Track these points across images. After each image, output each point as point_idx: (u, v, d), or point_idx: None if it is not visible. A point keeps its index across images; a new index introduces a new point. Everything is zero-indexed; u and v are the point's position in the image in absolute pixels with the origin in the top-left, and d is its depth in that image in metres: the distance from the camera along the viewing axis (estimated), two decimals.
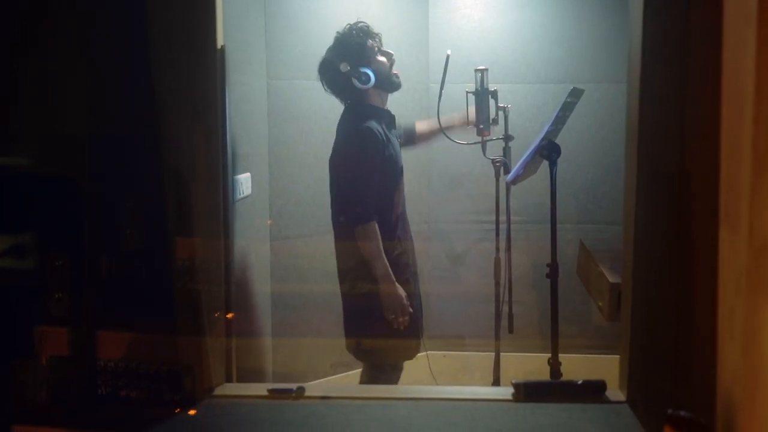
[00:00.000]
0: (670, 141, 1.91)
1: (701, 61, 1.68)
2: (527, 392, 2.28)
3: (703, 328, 1.59)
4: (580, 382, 2.32)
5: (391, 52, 3.10)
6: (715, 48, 1.44)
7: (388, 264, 2.96)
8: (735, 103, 1.33)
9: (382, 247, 2.97)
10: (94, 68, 2.29)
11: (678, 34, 1.83)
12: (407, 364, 3.29)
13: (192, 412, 2.24)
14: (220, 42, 2.49)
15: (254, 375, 3.16)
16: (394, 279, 2.97)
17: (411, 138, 3.43)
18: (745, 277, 1.24)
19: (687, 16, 1.75)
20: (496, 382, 3.41)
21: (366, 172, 2.97)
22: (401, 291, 2.99)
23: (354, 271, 3.07)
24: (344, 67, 2.95)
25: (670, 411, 1.39)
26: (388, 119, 3.10)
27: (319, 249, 3.79)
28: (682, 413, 1.38)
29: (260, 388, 2.40)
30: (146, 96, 2.27)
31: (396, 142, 3.09)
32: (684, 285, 1.77)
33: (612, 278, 2.54)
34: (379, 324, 3.02)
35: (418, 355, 3.41)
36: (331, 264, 3.81)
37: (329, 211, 3.80)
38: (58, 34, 2.27)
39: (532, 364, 3.83)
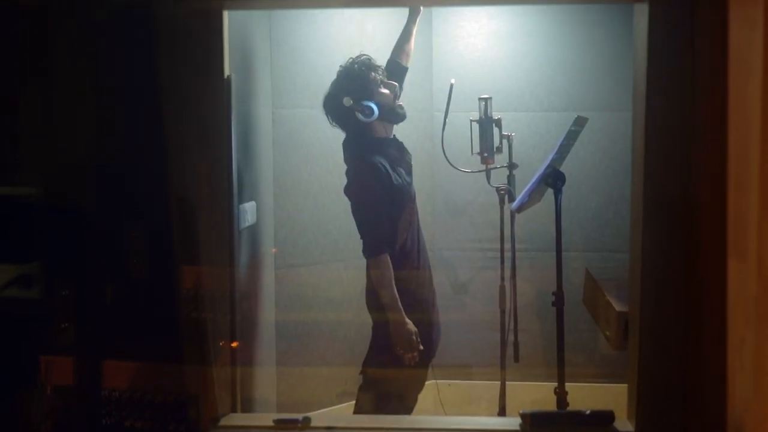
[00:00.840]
0: (676, 169, 1.91)
1: (707, 89, 1.68)
2: (535, 422, 2.26)
3: (712, 357, 1.58)
4: (588, 412, 2.30)
5: (394, 83, 3.11)
6: (721, 76, 1.45)
7: (398, 298, 2.95)
8: (742, 130, 1.33)
9: (393, 281, 2.96)
10: (101, 97, 2.31)
11: (683, 62, 1.84)
12: None
13: None
14: (226, 71, 2.50)
15: (258, 405, 3.14)
16: (404, 313, 2.95)
17: (401, 72, 3.34)
18: (754, 306, 1.24)
19: (692, 44, 1.76)
20: (502, 412, 3.39)
21: (372, 206, 2.98)
22: (411, 326, 2.96)
23: (371, 299, 3.08)
24: (347, 101, 2.96)
25: None
26: (395, 148, 3.11)
27: (324, 278, 3.79)
28: None
29: (266, 419, 2.38)
30: (153, 124, 2.28)
31: (404, 172, 3.08)
32: (692, 314, 1.76)
33: (619, 307, 2.53)
34: (386, 355, 3.01)
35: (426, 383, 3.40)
36: (335, 292, 3.82)
37: (333, 239, 3.82)
38: (64, 63, 2.28)
39: (538, 393, 3.80)
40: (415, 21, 3.34)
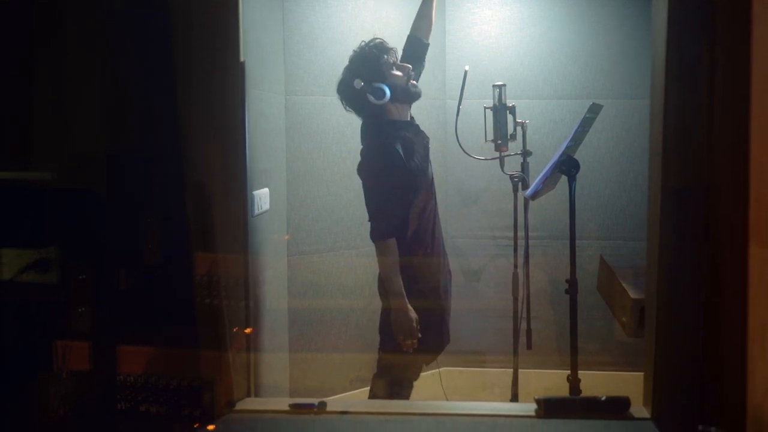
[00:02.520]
0: (695, 155, 1.89)
1: (728, 73, 1.67)
2: (550, 408, 2.27)
3: (731, 343, 1.58)
4: (603, 398, 2.30)
5: (408, 66, 3.09)
6: (743, 60, 1.43)
7: (401, 284, 2.94)
8: (764, 114, 1.32)
9: (398, 266, 2.95)
10: (117, 83, 2.31)
11: (703, 47, 1.82)
12: (424, 379, 3.27)
13: (211, 427, 2.24)
14: (240, 58, 2.50)
15: (271, 391, 3.15)
16: (406, 300, 2.94)
17: (421, 48, 3.30)
18: None
19: (713, 29, 1.74)
20: (515, 399, 3.39)
21: (382, 189, 2.97)
22: (412, 314, 2.95)
23: (382, 285, 3.07)
24: (357, 84, 2.96)
25: (700, 427, 1.38)
26: (412, 131, 3.08)
27: (336, 265, 3.79)
28: (713, 429, 1.37)
29: (281, 403, 2.39)
30: (168, 111, 2.29)
31: (420, 156, 3.05)
32: (711, 300, 1.75)
33: (634, 294, 2.52)
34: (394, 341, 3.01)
35: (434, 371, 3.40)
36: (348, 279, 3.82)
37: (346, 226, 3.82)
38: (80, 49, 2.29)
39: (550, 381, 3.81)
40: None
